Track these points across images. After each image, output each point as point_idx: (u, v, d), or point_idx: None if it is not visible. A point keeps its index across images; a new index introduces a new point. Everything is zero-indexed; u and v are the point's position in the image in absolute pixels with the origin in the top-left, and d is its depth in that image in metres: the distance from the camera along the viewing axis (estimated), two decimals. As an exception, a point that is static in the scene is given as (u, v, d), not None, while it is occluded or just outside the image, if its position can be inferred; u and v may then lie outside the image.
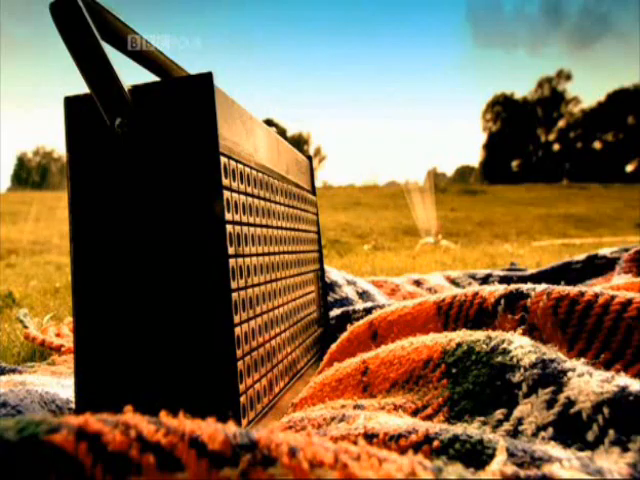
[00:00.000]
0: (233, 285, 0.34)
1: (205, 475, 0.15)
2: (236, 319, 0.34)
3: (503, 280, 1.05)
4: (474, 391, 0.34)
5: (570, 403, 0.29)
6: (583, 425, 0.27)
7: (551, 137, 32.76)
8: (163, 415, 0.18)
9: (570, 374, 0.30)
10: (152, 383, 0.33)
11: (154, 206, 0.34)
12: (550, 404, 0.29)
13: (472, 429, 0.25)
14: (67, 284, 1.57)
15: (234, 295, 0.34)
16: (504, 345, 0.35)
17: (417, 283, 1.06)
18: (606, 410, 0.27)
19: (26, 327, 0.85)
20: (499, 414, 0.31)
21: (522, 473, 0.20)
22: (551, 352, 0.33)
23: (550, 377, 0.31)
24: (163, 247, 0.34)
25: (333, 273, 0.92)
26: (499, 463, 0.21)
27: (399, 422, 0.28)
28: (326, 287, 0.68)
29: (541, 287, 0.44)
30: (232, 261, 0.34)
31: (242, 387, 0.34)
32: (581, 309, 0.40)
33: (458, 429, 0.25)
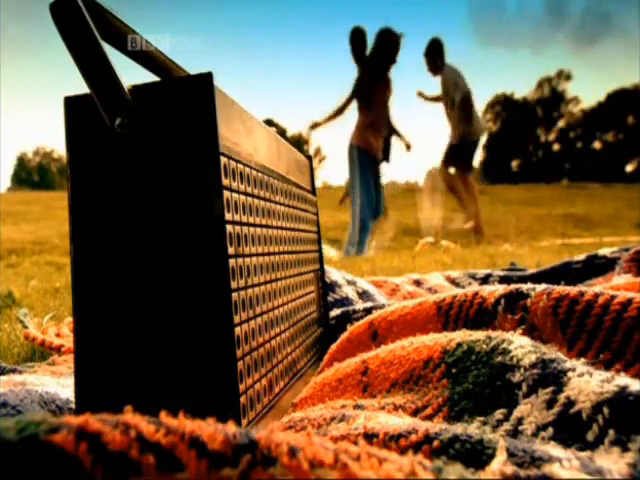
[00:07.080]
0: (233, 285, 0.34)
1: (205, 475, 0.15)
2: (236, 319, 0.34)
3: (503, 280, 1.05)
4: (474, 391, 0.34)
5: (570, 403, 0.29)
6: (583, 425, 0.27)
7: (551, 137, 32.76)
8: (163, 415, 0.18)
9: (570, 374, 0.30)
10: (152, 383, 0.33)
11: (154, 206, 0.34)
12: (550, 404, 0.29)
13: (472, 429, 0.25)
14: (67, 284, 1.57)
15: (234, 295, 0.34)
16: (504, 345, 0.35)
17: (417, 283, 1.06)
18: (606, 410, 0.27)
19: (26, 327, 0.85)
20: (499, 414, 0.31)
21: (522, 473, 0.20)
22: (551, 352, 0.33)
23: (550, 377, 0.31)
24: (163, 247, 0.34)
25: (333, 273, 0.91)
26: (499, 463, 0.21)
27: (399, 422, 0.28)
28: (326, 287, 0.68)
29: (541, 287, 0.44)
30: (232, 261, 0.34)
31: (242, 387, 0.34)
32: (581, 309, 0.40)
33: (458, 429, 0.25)
